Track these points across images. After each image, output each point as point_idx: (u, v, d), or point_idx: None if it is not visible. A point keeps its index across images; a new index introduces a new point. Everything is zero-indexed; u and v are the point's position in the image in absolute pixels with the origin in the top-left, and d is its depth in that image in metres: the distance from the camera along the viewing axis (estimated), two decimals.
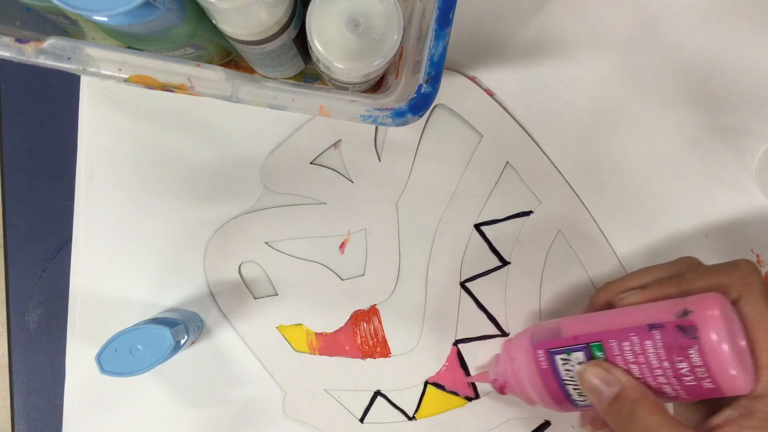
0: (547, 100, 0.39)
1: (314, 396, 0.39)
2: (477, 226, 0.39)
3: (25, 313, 0.39)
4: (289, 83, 0.28)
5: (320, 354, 0.39)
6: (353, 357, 0.39)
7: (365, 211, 0.39)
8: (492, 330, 0.39)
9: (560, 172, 0.39)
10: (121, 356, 0.34)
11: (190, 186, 0.39)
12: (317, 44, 0.26)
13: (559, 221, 0.39)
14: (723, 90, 0.39)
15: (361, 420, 0.39)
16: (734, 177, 0.39)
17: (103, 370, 0.33)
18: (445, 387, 0.39)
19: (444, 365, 0.39)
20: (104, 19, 0.23)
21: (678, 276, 0.30)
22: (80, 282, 0.39)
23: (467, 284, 0.39)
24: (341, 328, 0.39)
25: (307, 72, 0.37)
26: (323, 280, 0.39)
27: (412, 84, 0.28)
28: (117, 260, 0.39)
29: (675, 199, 0.39)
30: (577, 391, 0.30)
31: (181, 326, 0.35)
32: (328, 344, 0.39)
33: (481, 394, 0.39)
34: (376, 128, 0.39)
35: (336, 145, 0.39)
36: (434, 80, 0.27)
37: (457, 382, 0.39)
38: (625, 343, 0.28)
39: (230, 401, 0.39)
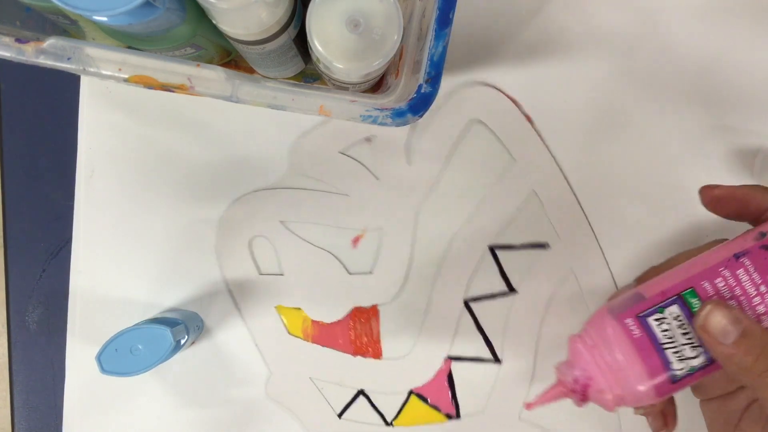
0: (546, 100, 0.39)
1: (298, 381, 0.39)
2: (492, 248, 0.39)
3: (25, 313, 0.39)
4: (289, 83, 0.28)
5: (313, 342, 0.39)
6: (344, 351, 0.39)
7: (385, 211, 0.39)
8: (486, 354, 0.39)
9: (584, 212, 0.39)
10: (121, 356, 0.34)
11: (190, 186, 0.39)
12: (317, 44, 0.26)
13: (574, 261, 0.39)
14: (723, 90, 0.39)
15: (339, 415, 0.39)
16: (734, 177, 0.39)
17: (103, 369, 0.33)
18: (428, 400, 0.39)
19: (431, 378, 0.39)
20: (104, 19, 0.23)
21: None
22: (80, 282, 0.39)
23: (471, 303, 0.39)
24: (338, 320, 0.39)
25: (307, 72, 0.37)
26: (330, 270, 0.39)
27: (412, 84, 0.28)
28: (117, 260, 0.39)
29: (675, 199, 0.39)
30: (677, 355, 0.27)
31: (181, 326, 0.35)
32: (322, 334, 0.39)
33: (462, 416, 0.39)
34: (411, 132, 0.39)
35: (369, 139, 0.39)
36: (434, 80, 0.27)
37: (441, 397, 0.39)
38: (718, 280, 0.27)
39: (230, 401, 0.39)
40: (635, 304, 0.28)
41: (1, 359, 0.99)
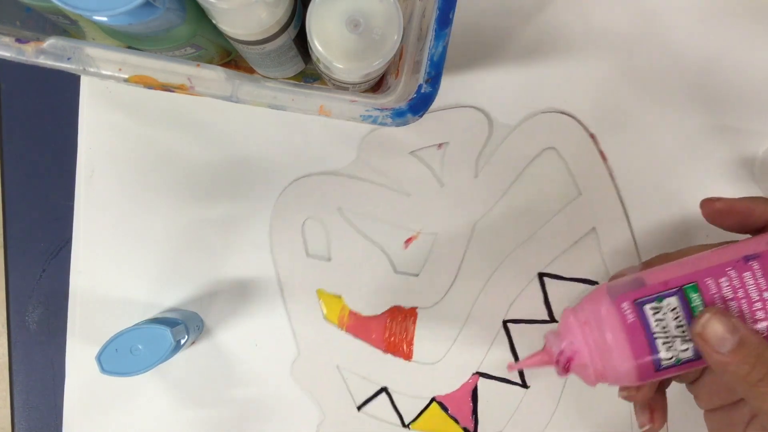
0: (546, 101, 0.39)
1: (325, 367, 0.39)
2: (541, 275, 0.39)
3: (25, 313, 0.39)
4: (289, 83, 0.28)
5: (346, 331, 0.39)
6: (376, 347, 0.39)
7: (442, 218, 0.39)
8: (515, 377, 0.39)
9: (640, 258, 0.39)
10: (121, 356, 0.34)
11: (190, 186, 0.39)
12: (317, 44, 0.26)
13: None
14: (723, 90, 0.39)
15: (359, 408, 0.39)
16: (734, 177, 0.39)
17: (103, 369, 0.33)
18: (449, 409, 0.39)
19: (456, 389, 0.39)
20: (104, 19, 0.23)
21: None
22: (80, 282, 0.39)
23: (509, 324, 0.39)
24: (376, 315, 0.39)
25: (307, 72, 0.37)
26: (377, 265, 0.39)
27: (412, 84, 0.28)
28: (117, 260, 0.39)
29: (675, 199, 0.39)
30: (666, 345, 0.27)
31: (181, 326, 0.35)
32: (357, 325, 0.39)
33: (480, 431, 0.39)
34: (483, 146, 0.39)
35: (441, 145, 0.39)
36: (434, 80, 0.27)
37: (462, 410, 0.39)
38: (722, 279, 0.27)
39: (230, 401, 0.39)
40: (635, 288, 0.28)
41: (1, 359, 0.99)
